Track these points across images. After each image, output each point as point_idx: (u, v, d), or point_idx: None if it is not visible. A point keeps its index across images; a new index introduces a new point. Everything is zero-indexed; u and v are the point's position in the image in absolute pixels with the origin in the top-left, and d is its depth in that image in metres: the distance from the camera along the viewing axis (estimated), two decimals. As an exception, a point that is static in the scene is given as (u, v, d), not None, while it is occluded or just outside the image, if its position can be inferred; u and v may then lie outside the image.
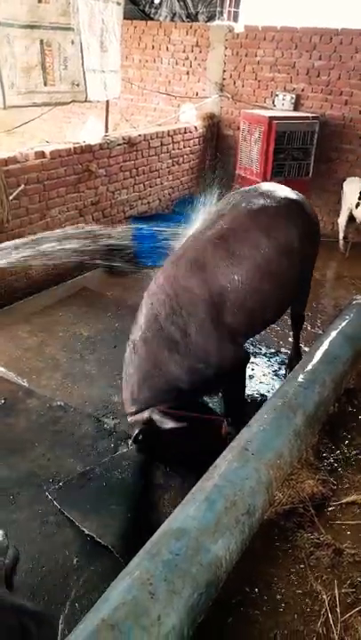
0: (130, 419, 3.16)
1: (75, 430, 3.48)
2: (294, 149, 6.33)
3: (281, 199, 3.31)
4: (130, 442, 3.23)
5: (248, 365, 4.14)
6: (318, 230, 3.67)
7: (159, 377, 3.04)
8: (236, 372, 3.35)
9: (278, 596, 1.98)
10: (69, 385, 3.94)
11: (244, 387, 3.56)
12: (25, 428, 3.50)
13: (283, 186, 3.57)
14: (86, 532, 2.74)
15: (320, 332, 4.68)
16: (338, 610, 1.91)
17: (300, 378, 2.87)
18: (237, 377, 3.41)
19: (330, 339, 3.28)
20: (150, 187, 6.50)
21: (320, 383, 2.83)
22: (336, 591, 1.97)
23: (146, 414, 3.05)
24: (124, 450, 3.30)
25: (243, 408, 3.48)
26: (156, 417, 2.98)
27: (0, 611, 1.44)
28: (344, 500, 2.38)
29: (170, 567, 1.75)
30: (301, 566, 2.09)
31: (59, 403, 3.71)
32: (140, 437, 3.05)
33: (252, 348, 4.48)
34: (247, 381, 4.02)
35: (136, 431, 3.08)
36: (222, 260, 3.00)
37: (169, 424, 2.92)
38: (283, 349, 4.52)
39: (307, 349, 4.24)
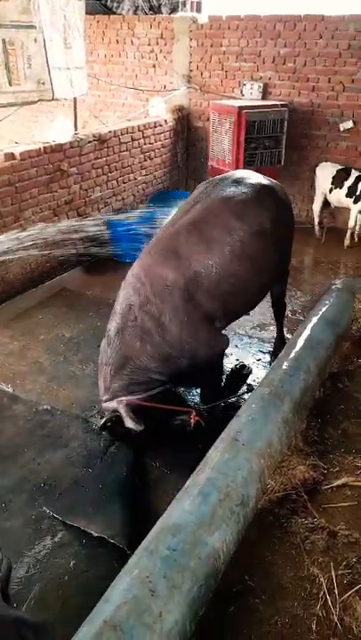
0: (103, 405, 3.29)
1: (63, 433, 3.46)
2: (265, 138, 6.34)
3: (252, 184, 3.33)
4: (97, 428, 3.37)
5: (233, 355, 4.19)
6: (292, 214, 3.70)
7: (130, 368, 3.10)
8: (212, 360, 3.36)
9: (277, 583, 2.00)
10: (55, 388, 3.90)
11: (220, 374, 3.60)
12: (13, 433, 3.46)
13: (255, 172, 3.60)
14: (95, 534, 2.72)
15: (301, 317, 4.73)
16: (336, 591, 1.94)
17: (285, 365, 2.90)
18: (213, 365, 3.44)
19: (311, 324, 3.31)
20: (124, 182, 6.46)
21: (305, 369, 2.86)
22: (333, 573, 2.00)
23: (114, 405, 3.16)
24: (114, 449, 3.29)
25: (218, 395, 3.53)
26: (122, 411, 3.10)
27: None
28: (335, 483, 2.42)
29: (168, 563, 1.76)
30: (297, 551, 2.12)
31: (45, 406, 3.68)
32: (108, 425, 3.21)
33: (236, 337, 4.50)
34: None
35: (104, 419, 3.25)
36: (195, 246, 3.02)
37: (128, 422, 3.09)
38: (266, 337, 4.55)
39: (289, 336, 4.28)
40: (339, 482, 2.43)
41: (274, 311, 4.15)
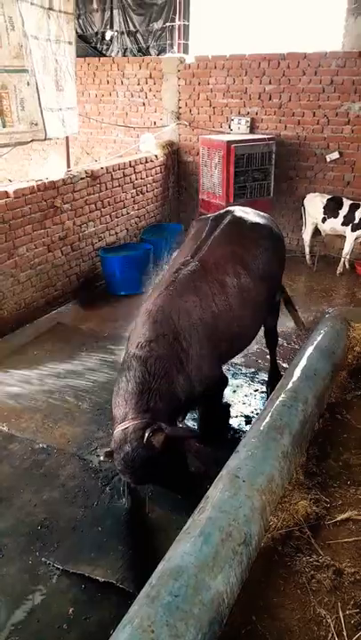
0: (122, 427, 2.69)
1: (60, 472, 3.39)
2: (254, 171, 6.49)
3: (254, 225, 3.56)
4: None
5: (229, 387, 4.17)
6: (285, 247, 3.93)
7: (169, 395, 2.90)
8: (216, 394, 3.42)
9: (284, 626, 1.94)
10: (50, 425, 3.85)
11: (220, 409, 3.65)
12: (9, 474, 3.39)
13: (251, 210, 3.78)
14: (101, 580, 2.64)
15: (296, 346, 4.73)
16: (344, 633, 1.88)
17: (283, 397, 2.88)
18: (218, 399, 3.50)
19: (307, 354, 3.31)
20: (117, 217, 6.54)
21: (303, 401, 2.84)
22: (340, 614, 1.94)
23: (160, 425, 2.66)
24: (110, 489, 3.23)
25: (217, 429, 3.59)
26: (173, 430, 2.74)
27: None
28: (339, 518, 2.37)
29: (171, 610, 1.69)
30: (303, 591, 2.06)
31: (41, 445, 3.62)
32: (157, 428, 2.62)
33: (232, 369, 4.48)
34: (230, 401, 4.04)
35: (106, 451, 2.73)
36: (208, 289, 3.12)
37: (180, 432, 2.92)
38: (262, 368, 4.53)
39: (285, 365, 4.27)
40: (342, 516, 2.38)
41: (266, 341, 4.17)
